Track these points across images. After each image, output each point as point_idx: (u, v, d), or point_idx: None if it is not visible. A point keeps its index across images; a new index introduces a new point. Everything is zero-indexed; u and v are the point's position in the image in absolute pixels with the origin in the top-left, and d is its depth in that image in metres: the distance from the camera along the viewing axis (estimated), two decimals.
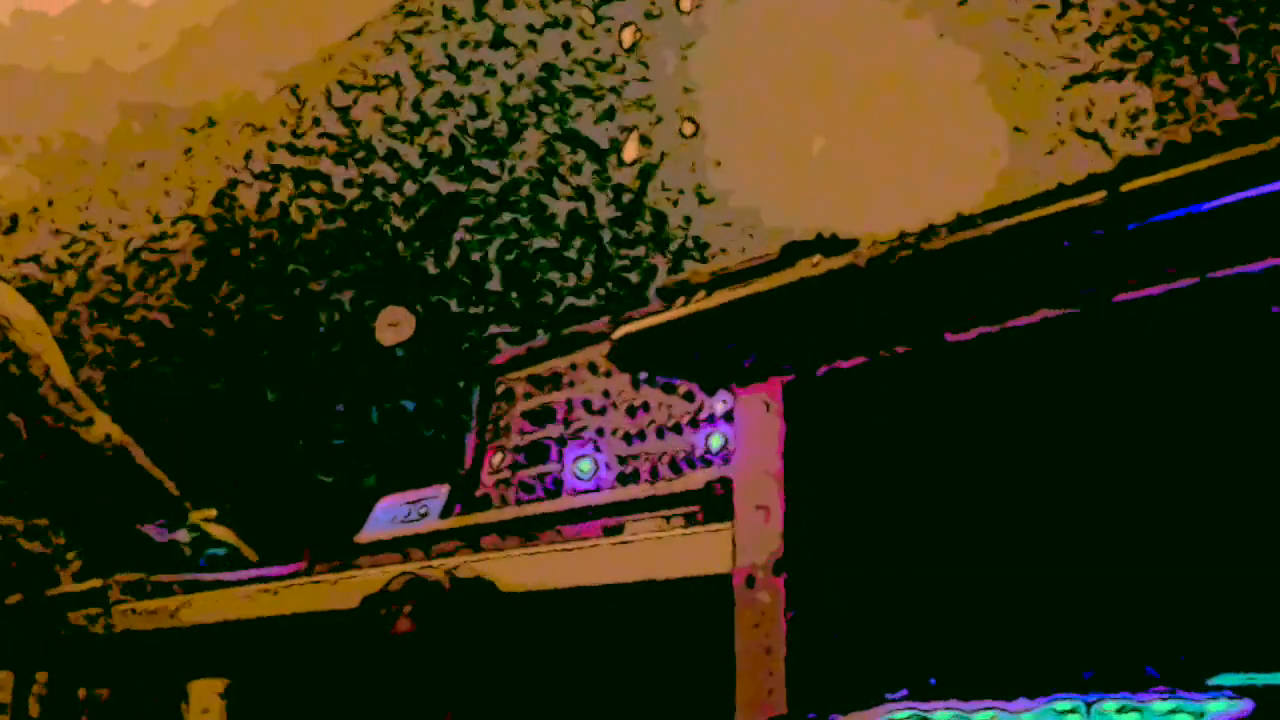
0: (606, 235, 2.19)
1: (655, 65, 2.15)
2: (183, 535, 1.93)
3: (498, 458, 1.61)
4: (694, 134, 2.02)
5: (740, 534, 0.95)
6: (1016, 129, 1.52)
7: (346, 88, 2.89)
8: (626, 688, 1.15)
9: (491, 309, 2.40)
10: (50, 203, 2.99)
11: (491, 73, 2.55)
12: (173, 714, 1.62)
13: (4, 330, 2.03)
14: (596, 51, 2.28)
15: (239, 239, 3.05)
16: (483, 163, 2.53)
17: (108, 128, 3.04)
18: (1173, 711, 0.73)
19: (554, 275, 2.29)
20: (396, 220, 2.71)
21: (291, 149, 2.98)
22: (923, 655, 0.87)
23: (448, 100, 2.63)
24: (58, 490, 1.99)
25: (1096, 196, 0.76)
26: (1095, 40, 1.50)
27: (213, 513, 2.02)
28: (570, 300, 2.21)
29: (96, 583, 1.63)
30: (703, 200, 1.98)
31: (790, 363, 0.94)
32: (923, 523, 0.90)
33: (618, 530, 1.13)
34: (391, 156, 2.75)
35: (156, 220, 3.10)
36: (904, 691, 0.85)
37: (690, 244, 1.99)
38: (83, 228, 3.09)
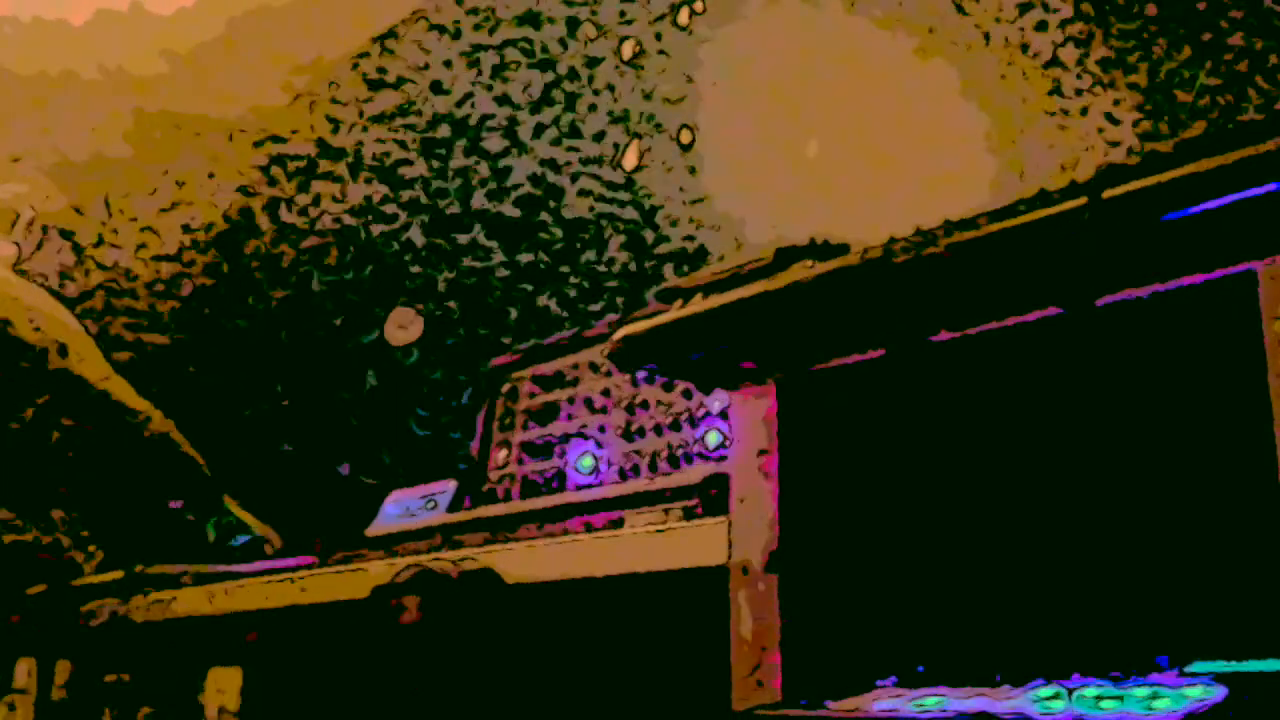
0: (607, 239, 2.21)
1: (655, 77, 2.17)
2: (212, 521, 1.96)
3: (503, 454, 1.63)
4: (691, 143, 2.04)
5: (737, 527, 0.97)
6: (1004, 136, 1.54)
7: (361, 93, 2.92)
8: (627, 675, 1.17)
9: (497, 310, 2.43)
10: (75, 210, 3.02)
11: (497, 81, 2.57)
12: (191, 701, 1.65)
13: (38, 325, 2.07)
14: (598, 63, 2.31)
15: (257, 242, 3.08)
16: (489, 166, 2.56)
17: (128, 136, 3.07)
18: (1151, 697, 0.75)
19: (557, 277, 2.31)
20: (407, 223, 2.74)
21: (307, 155, 3.01)
22: (911, 644, 0.89)
23: (456, 106, 2.66)
24: (91, 479, 2.03)
25: (1079, 202, 0.78)
26: (1079, 50, 1.52)
27: (237, 503, 2.05)
28: (572, 302, 2.24)
29: (117, 574, 1.66)
30: (699, 205, 2.01)
31: (784, 363, 0.96)
32: (911, 516, 0.92)
33: (619, 524, 1.15)
34: (404, 161, 2.78)
35: (182, 229, 3.14)
36: (893, 679, 0.87)
37: (688, 248, 2.01)
38: (104, 233, 3.12)
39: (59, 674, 1.76)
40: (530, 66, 2.49)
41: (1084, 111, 1.46)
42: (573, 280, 2.27)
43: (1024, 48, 1.55)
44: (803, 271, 0.90)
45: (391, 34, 2.88)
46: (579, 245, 2.27)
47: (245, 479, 2.39)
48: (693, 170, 2.03)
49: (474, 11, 2.67)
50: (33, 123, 2.90)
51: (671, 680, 1.11)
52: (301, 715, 1.70)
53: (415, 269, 2.68)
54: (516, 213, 2.46)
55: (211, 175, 3.14)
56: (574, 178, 2.33)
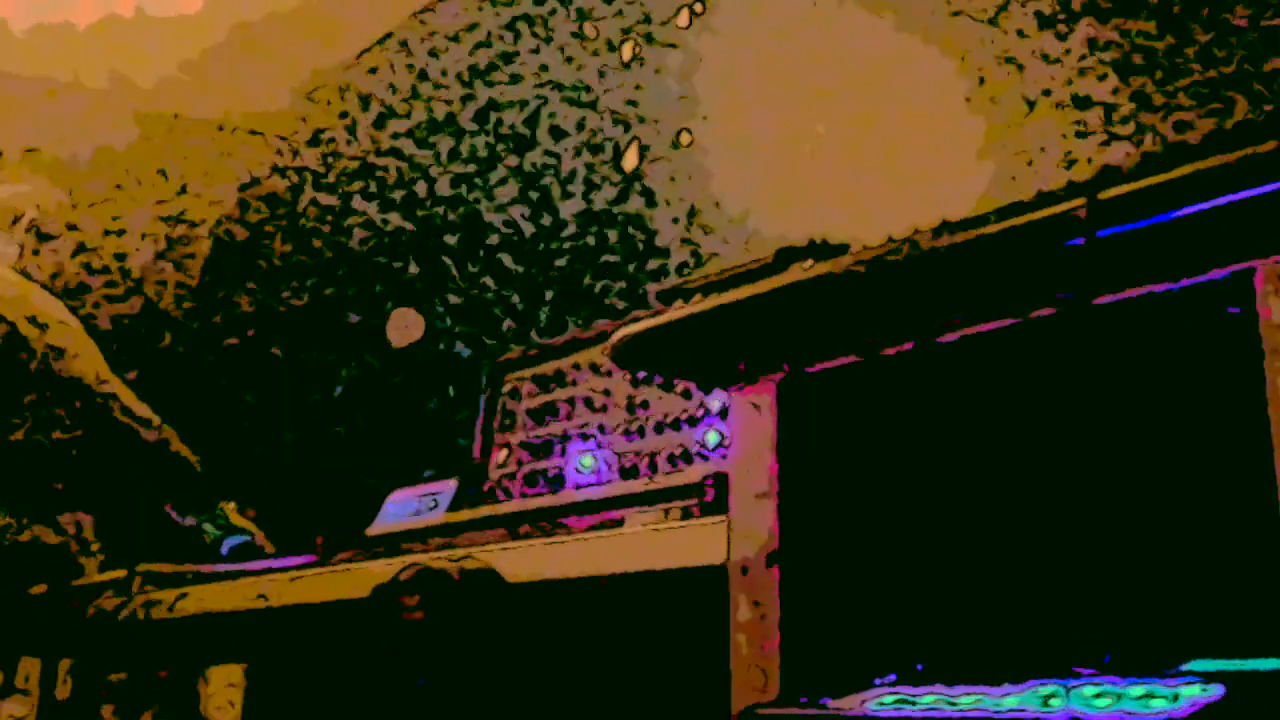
0: (608, 240, 2.22)
1: (655, 77, 2.18)
2: (207, 524, 1.97)
3: (504, 453, 1.64)
4: (691, 144, 2.05)
5: (736, 526, 0.97)
6: (1003, 136, 1.54)
7: (363, 96, 2.93)
8: (627, 673, 1.17)
9: (498, 311, 2.44)
10: (75, 209, 3.03)
11: (497, 83, 2.58)
12: (191, 699, 1.65)
13: (39, 325, 2.08)
14: (599, 64, 2.32)
15: (256, 243, 3.10)
16: (489, 168, 2.57)
17: (129, 139, 3.08)
18: (1147, 695, 0.75)
19: (558, 278, 2.32)
20: (408, 224, 2.75)
21: (309, 158, 3.03)
22: (910, 642, 0.90)
23: (456, 109, 2.67)
24: (91, 479, 2.03)
25: (1077, 203, 0.78)
26: (1077, 51, 1.53)
27: (232, 505, 2.06)
28: (573, 302, 2.25)
29: (120, 573, 1.66)
30: (699, 207, 2.01)
31: (783, 362, 0.97)
32: (910, 516, 0.92)
33: (618, 523, 1.16)
34: (406, 163, 2.79)
35: (183, 230, 3.16)
36: (892, 676, 0.88)
37: (688, 248, 2.02)
38: (104, 234, 3.13)
39: (61, 673, 1.77)
40: (530, 68, 2.50)
41: (1086, 109, 1.46)
42: (573, 280, 2.28)
43: (1024, 47, 1.55)
44: (802, 271, 0.90)
45: (392, 37, 2.89)
46: (579, 245, 2.28)
47: (245, 479, 2.40)
48: (692, 170, 2.04)
49: (473, 24, 2.69)
50: (35, 123, 2.91)
51: (671, 679, 1.11)
52: (302, 714, 1.70)
53: (416, 269, 2.69)
54: (517, 213, 2.47)
55: (211, 176, 3.15)
56: (574, 178, 2.34)
